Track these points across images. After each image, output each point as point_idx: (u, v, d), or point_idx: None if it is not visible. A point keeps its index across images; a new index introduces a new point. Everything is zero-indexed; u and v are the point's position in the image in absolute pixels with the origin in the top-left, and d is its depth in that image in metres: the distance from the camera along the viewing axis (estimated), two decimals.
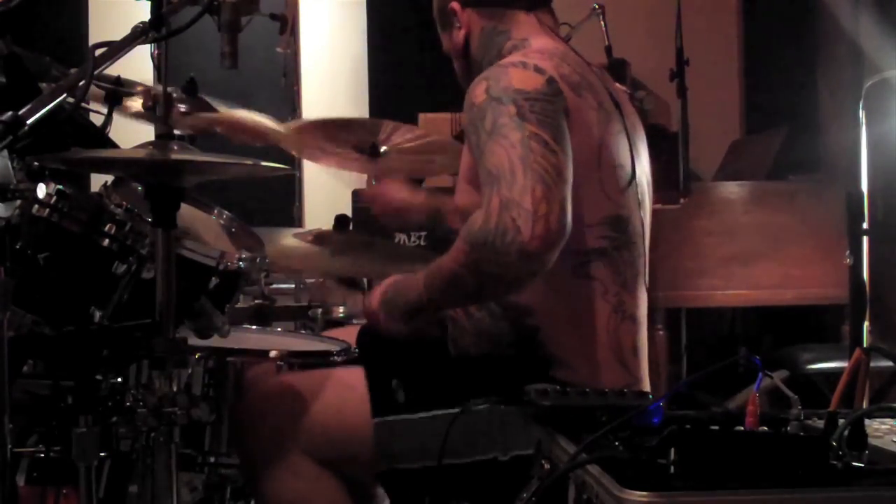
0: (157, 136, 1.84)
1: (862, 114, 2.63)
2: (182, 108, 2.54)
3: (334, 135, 2.82)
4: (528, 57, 1.93)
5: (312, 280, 3.52)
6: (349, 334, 2.29)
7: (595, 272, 1.91)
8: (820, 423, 1.38)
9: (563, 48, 2.03)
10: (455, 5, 2.09)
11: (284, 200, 4.27)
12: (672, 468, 1.23)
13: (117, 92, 2.26)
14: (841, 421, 1.31)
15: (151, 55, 2.44)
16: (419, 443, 1.87)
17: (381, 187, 2.58)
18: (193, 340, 1.86)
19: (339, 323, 3.07)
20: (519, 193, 1.71)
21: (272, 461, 1.96)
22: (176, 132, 2.51)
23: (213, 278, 2.10)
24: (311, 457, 1.95)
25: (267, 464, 1.97)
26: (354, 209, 4.05)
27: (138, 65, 2.21)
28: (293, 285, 3.62)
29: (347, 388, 1.98)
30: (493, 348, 1.96)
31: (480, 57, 2.07)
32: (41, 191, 1.94)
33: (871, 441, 1.30)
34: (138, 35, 1.67)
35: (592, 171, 1.89)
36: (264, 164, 1.80)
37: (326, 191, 4.78)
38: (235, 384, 2.09)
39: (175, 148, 1.78)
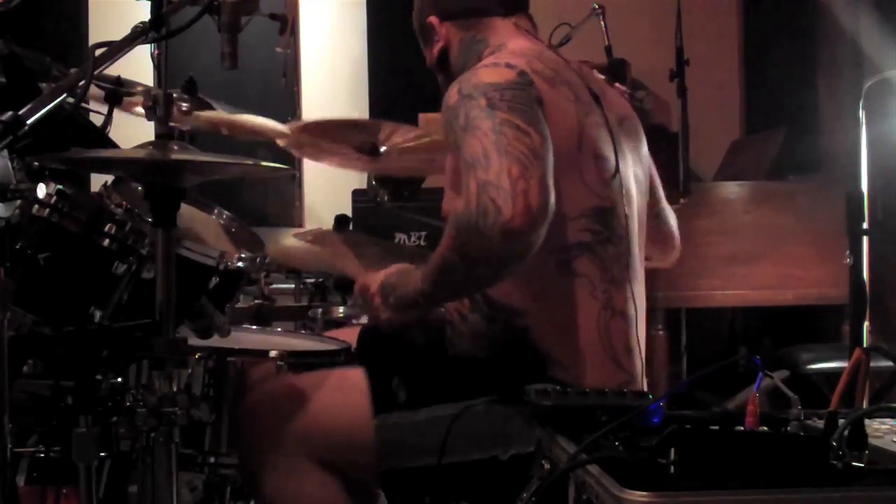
0: (157, 136, 1.83)
1: (862, 114, 2.63)
2: (184, 106, 2.54)
3: (334, 135, 2.82)
4: (500, 57, 1.94)
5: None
6: (349, 334, 2.29)
7: (580, 268, 1.90)
8: (820, 423, 1.38)
9: (539, 47, 2.03)
10: (433, 20, 2.10)
11: (284, 200, 4.27)
12: (672, 468, 1.23)
13: (117, 92, 2.26)
14: (841, 421, 1.31)
15: (151, 55, 2.43)
16: (420, 442, 1.87)
17: None
18: (193, 340, 1.85)
19: (340, 323, 3.07)
20: (495, 175, 1.70)
21: (272, 463, 1.96)
22: (182, 128, 2.52)
23: (213, 278, 2.10)
24: (311, 459, 1.95)
25: (267, 466, 1.96)
26: (354, 209, 4.06)
27: (138, 65, 2.21)
28: (293, 285, 3.62)
29: (348, 390, 1.98)
30: (488, 350, 1.96)
31: (460, 67, 2.06)
32: (41, 191, 1.94)
33: (871, 441, 1.31)
34: (138, 35, 1.67)
35: (572, 160, 1.88)
36: (264, 164, 1.81)
37: (326, 191, 4.78)
38: (236, 384, 2.09)
39: (175, 148, 1.78)
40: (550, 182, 1.73)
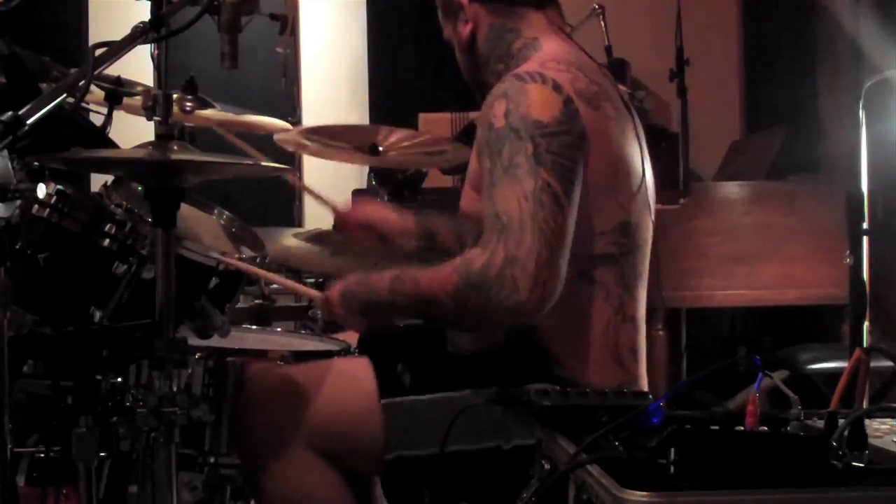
0: (156, 136, 1.83)
1: (862, 114, 2.63)
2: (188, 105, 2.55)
3: (334, 137, 2.83)
4: (546, 67, 1.90)
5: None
6: (349, 335, 2.29)
7: (600, 276, 1.92)
8: (820, 423, 1.38)
9: (577, 52, 2.01)
10: None
11: (284, 200, 4.27)
12: (672, 468, 1.23)
13: (117, 92, 2.26)
14: (841, 421, 1.31)
15: (151, 55, 2.44)
16: (425, 430, 1.87)
17: (359, 204, 2.48)
18: (193, 340, 1.85)
19: (340, 323, 3.06)
20: (525, 254, 1.75)
21: (272, 454, 1.95)
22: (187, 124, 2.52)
23: (213, 278, 2.10)
24: (311, 449, 1.94)
25: (267, 457, 1.96)
26: None
27: (138, 65, 2.21)
28: None
29: (349, 379, 1.98)
30: (490, 347, 1.96)
31: (488, 53, 2.04)
32: (41, 191, 1.94)
33: (871, 441, 1.31)
34: (138, 35, 1.68)
35: (608, 181, 1.90)
36: (264, 164, 1.81)
37: (326, 191, 4.77)
38: (235, 383, 2.09)
39: (175, 148, 1.78)
40: (565, 266, 1.79)
